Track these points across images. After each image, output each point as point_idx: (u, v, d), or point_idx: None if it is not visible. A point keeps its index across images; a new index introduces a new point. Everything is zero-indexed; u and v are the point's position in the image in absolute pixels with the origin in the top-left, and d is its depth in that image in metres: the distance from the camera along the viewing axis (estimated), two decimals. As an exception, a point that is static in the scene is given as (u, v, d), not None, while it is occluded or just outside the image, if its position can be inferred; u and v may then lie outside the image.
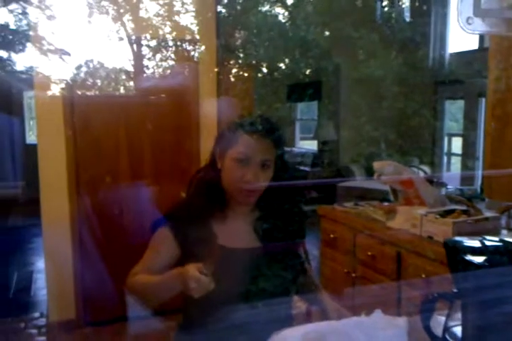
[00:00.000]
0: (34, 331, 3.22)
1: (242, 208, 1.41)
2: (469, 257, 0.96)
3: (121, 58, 4.43)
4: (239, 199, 1.37)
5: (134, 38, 4.38)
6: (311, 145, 8.36)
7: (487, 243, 1.06)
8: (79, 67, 4.18)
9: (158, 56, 4.70)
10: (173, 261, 1.36)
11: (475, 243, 1.05)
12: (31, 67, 3.23)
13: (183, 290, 1.16)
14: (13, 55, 8.67)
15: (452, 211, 2.27)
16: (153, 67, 4.61)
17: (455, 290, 1.02)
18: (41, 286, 3.81)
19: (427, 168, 5.25)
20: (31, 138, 7.63)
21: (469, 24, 0.81)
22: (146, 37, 4.81)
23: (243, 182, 1.32)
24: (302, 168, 7.16)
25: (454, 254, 0.99)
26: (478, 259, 0.95)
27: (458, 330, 1.06)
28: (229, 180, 1.35)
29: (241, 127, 1.35)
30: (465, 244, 1.05)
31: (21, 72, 8.00)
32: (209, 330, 1.30)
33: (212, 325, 1.29)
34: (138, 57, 4.66)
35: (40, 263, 4.32)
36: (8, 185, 7.54)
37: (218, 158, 1.38)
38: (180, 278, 1.16)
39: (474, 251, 1.00)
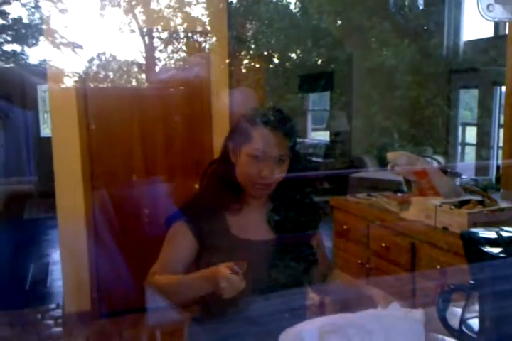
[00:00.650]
0: (50, 322, 3.27)
1: (255, 200, 1.41)
2: (486, 248, 0.95)
3: (133, 51, 4.43)
4: (254, 193, 1.37)
5: (145, 30, 4.38)
6: (323, 136, 8.32)
7: (503, 234, 1.05)
8: (91, 60, 4.19)
9: (170, 48, 4.70)
10: (192, 255, 1.36)
11: (491, 234, 1.04)
12: (44, 61, 3.24)
13: (212, 290, 1.15)
14: (26, 48, 8.73)
15: (467, 201, 2.25)
16: (165, 60, 4.62)
17: (472, 282, 1.02)
18: (57, 278, 3.86)
19: (440, 158, 5.20)
20: (46, 131, 7.69)
21: (490, 11, 0.79)
22: (157, 29, 4.81)
23: (260, 177, 1.31)
24: (314, 159, 7.14)
25: (471, 245, 0.98)
26: (495, 250, 0.95)
27: (474, 322, 1.06)
28: (244, 175, 1.34)
29: (256, 122, 1.34)
30: (481, 235, 1.04)
31: (35, 66, 8.05)
32: (223, 322, 1.31)
33: (226, 316, 1.30)
34: (150, 49, 4.66)
35: (55, 255, 4.37)
36: (23, 179, 7.62)
37: (232, 152, 1.37)
38: (210, 279, 1.15)
39: (491, 242, 0.99)
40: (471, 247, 0.98)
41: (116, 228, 3.34)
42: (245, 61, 5.10)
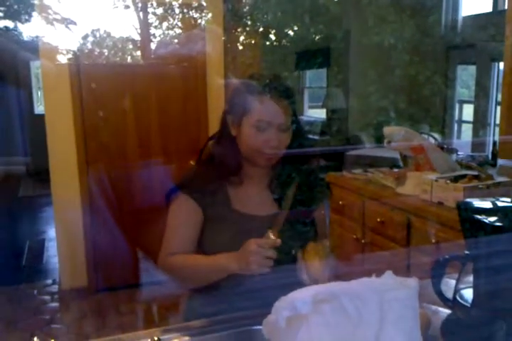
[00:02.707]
0: (47, 297, 3.29)
1: (257, 172, 1.37)
2: (482, 217, 0.95)
3: (127, 27, 4.36)
4: (260, 164, 1.33)
5: (140, 5, 4.30)
6: (320, 114, 8.26)
7: (499, 204, 1.04)
8: (85, 37, 4.13)
9: (165, 24, 4.61)
10: (200, 227, 1.33)
11: (487, 204, 1.03)
12: (37, 37, 3.18)
13: (238, 270, 1.14)
14: (19, 25, 8.57)
15: (463, 176, 2.24)
16: (159, 36, 4.54)
17: (466, 252, 1.01)
18: (53, 254, 3.86)
19: (437, 135, 5.18)
20: (39, 108, 7.61)
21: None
22: (152, 4, 4.72)
23: (267, 147, 1.28)
24: (311, 136, 7.10)
25: (467, 215, 0.97)
26: (491, 219, 0.94)
27: (468, 292, 1.06)
28: (249, 146, 1.30)
29: (255, 90, 1.28)
30: (477, 205, 1.03)
31: (27, 42, 7.92)
32: (219, 296, 1.30)
33: (222, 290, 1.29)
34: (144, 25, 4.58)
35: (51, 232, 4.37)
36: (17, 158, 7.58)
37: (232, 125, 1.33)
38: (236, 257, 1.14)
39: (486, 211, 0.98)
40: (467, 217, 0.97)
41: (112, 204, 3.34)
42: (241, 37, 5.02)
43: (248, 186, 1.38)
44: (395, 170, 2.79)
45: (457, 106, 6.59)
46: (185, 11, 4.20)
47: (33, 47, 3.32)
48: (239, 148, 1.33)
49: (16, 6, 8.63)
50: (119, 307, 3.10)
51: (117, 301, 3.17)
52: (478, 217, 0.95)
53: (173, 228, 1.34)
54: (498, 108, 5.66)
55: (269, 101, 1.27)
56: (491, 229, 0.91)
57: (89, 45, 4.18)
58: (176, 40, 4.35)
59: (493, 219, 0.92)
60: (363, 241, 2.68)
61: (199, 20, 3.99)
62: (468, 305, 1.02)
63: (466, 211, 0.99)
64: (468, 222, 0.98)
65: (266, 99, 1.27)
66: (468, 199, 1.08)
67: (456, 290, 1.04)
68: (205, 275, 1.26)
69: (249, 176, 1.38)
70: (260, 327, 0.92)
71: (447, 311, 1.11)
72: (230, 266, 1.16)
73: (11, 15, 8.54)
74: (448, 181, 2.17)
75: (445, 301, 1.04)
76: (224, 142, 1.35)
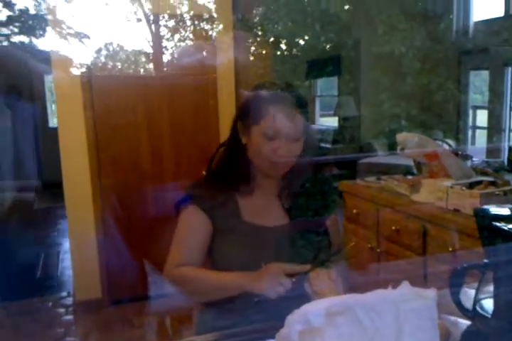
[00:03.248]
0: (62, 310, 3.28)
1: (267, 181, 1.35)
2: (500, 224, 0.91)
3: (140, 40, 4.40)
4: (270, 172, 1.31)
5: (151, 18, 4.33)
6: (332, 122, 8.24)
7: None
8: (99, 51, 4.17)
9: (177, 36, 4.65)
10: (209, 239, 1.30)
11: (505, 211, 1.00)
12: (51, 51, 3.21)
13: (250, 289, 1.12)
14: (33, 39, 8.69)
15: (479, 182, 2.20)
16: (171, 48, 4.57)
17: (486, 261, 0.98)
18: (68, 266, 3.86)
19: (451, 142, 5.12)
20: (54, 121, 7.69)
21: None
22: (164, 17, 4.75)
23: (276, 155, 1.25)
24: (323, 144, 7.07)
25: (485, 222, 0.94)
26: (510, 226, 0.90)
27: (489, 303, 1.02)
28: (259, 155, 1.27)
29: (267, 98, 1.26)
30: (494, 212, 1.00)
31: (41, 56, 8.03)
32: (232, 309, 1.28)
33: (235, 303, 1.26)
34: (156, 37, 4.62)
35: (67, 244, 4.38)
36: (33, 170, 7.65)
37: (242, 133, 1.31)
38: (252, 276, 1.12)
39: (505, 218, 0.95)
40: (485, 224, 0.94)
41: (125, 216, 3.33)
42: (252, 48, 5.03)
43: (258, 196, 1.35)
44: (409, 177, 2.75)
45: (471, 112, 6.53)
46: (196, 22, 4.23)
47: (47, 61, 3.34)
48: (249, 156, 1.31)
49: (30, 22, 8.77)
50: (133, 319, 3.08)
51: (131, 313, 3.15)
52: (497, 224, 0.92)
53: (181, 239, 1.32)
54: (513, 113, 5.60)
55: (279, 110, 1.24)
56: (511, 236, 0.88)
57: (102, 58, 4.23)
58: (186, 52, 4.37)
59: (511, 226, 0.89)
60: (378, 250, 2.64)
61: (210, 32, 4.01)
62: (489, 316, 0.99)
63: (483, 218, 0.96)
64: (486, 229, 0.95)
65: (276, 107, 1.24)
66: (485, 206, 1.05)
67: (476, 301, 1.01)
68: (215, 292, 1.23)
69: (259, 186, 1.35)
70: (273, 340, 0.89)
71: (467, 322, 1.08)
72: (244, 285, 1.14)
73: (26, 30, 8.67)
74: (464, 188, 2.13)
75: (465, 312, 1.01)
76: (234, 150, 1.33)
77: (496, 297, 0.98)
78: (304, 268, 1.12)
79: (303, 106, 1.28)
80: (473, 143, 6.64)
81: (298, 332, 0.80)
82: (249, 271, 1.18)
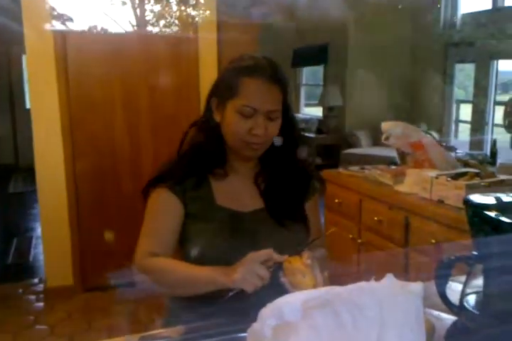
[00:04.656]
0: (32, 297, 3.18)
1: (243, 164, 1.26)
2: (493, 213, 0.85)
3: (125, 24, 4.28)
4: (245, 154, 1.21)
5: (137, 1, 4.21)
6: (316, 112, 8.18)
7: (505, 199, 0.94)
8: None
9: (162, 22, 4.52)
10: (181, 223, 1.20)
11: (492, 200, 0.93)
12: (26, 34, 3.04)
13: (226, 284, 1.02)
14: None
15: (464, 173, 2.15)
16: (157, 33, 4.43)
17: (475, 253, 0.91)
18: (41, 252, 3.75)
19: (435, 134, 5.09)
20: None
21: None
22: (149, 0, 4.62)
23: (250, 135, 1.15)
24: (307, 134, 7.01)
25: (476, 212, 0.87)
26: (503, 215, 0.84)
27: (476, 297, 0.96)
28: (233, 134, 1.18)
29: (243, 71, 1.16)
30: (485, 201, 0.93)
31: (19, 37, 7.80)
32: (203, 300, 1.19)
33: (206, 294, 1.17)
34: (141, 21, 4.49)
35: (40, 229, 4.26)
36: (10, 153, 7.47)
37: (216, 109, 1.21)
38: (228, 270, 1.02)
39: (497, 207, 0.88)
40: (476, 213, 0.87)
41: (99, 200, 3.23)
42: (236, 32, 4.91)
43: (233, 179, 1.26)
44: (393, 167, 2.69)
45: (454, 106, 6.52)
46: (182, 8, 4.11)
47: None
48: (223, 136, 1.21)
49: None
50: (105, 307, 2.99)
51: (103, 301, 3.06)
52: (489, 213, 0.85)
53: (152, 224, 1.21)
54: (497, 107, 5.59)
55: (258, 84, 1.14)
56: (505, 226, 0.81)
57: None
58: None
59: (505, 215, 0.82)
60: (359, 240, 2.58)
61: (196, 18, 3.89)
62: (476, 312, 0.93)
63: (474, 207, 0.89)
64: (477, 219, 0.88)
65: (254, 81, 1.15)
66: (472, 195, 0.98)
67: (463, 295, 0.94)
68: (188, 287, 1.12)
69: (234, 168, 1.26)
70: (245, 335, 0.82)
71: (452, 317, 1.02)
72: (217, 279, 1.04)
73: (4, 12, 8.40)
74: (449, 178, 2.08)
75: (451, 307, 0.95)
76: (207, 129, 1.23)
77: (485, 291, 0.91)
78: (282, 258, 1.03)
79: (283, 81, 1.19)
80: (456, 136, 6.64)
81: (271, 327, 0.73)
82: (223, 257, 1.10)
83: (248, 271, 0.99)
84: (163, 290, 1.17)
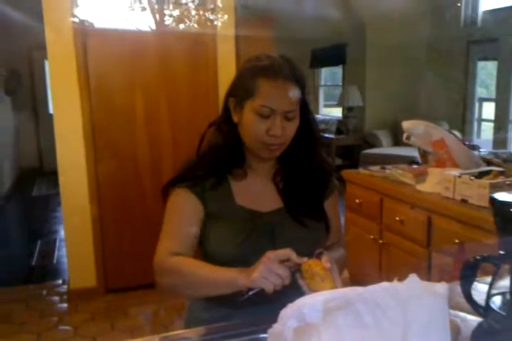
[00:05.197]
0: (56, 298, 3.21)
1: (261, 164, 1.25)
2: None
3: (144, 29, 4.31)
4: (263, 155, 1.20)
5: (156, 7, 4.22)
6: (336, 113, 8.13)
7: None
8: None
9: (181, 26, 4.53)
10: (201, 223, 1.20)
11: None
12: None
13: (245, 284, 1.00)
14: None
15: (488, 172, 2.11)
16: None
17: (502, 252, 0.89)
18: (64, 254, 3.80)
19: (457, 133, 5.02)
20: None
21: None
22: (168, 6, 4.62)
23: (268, 136, 1.14)
24: (326, 135, 6.97)
25: (503, 210, 0.85)
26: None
27: (503, 298, 0.94)
28: (250, 135, 1.17)
29: (259, 71, 1.15)
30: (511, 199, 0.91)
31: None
32: (223, 300, 1.18)
33: (227, 295, 1.16)
34: (161, 26, 4.49)
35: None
36: (32, 157, 7.59)
37: (233, 109, 1.20)
38: (247, 270, 1.01)
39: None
40: (503, 212, 0.85)
41: (121, 203, 3.25)
42: (252, 30, 4.91)
43: (252, 179, 1.25)
44: (415, 166, 2.66)
45: (477, 104, 6.41)
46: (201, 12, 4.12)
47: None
48: (240, 136, 1.20)
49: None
50: (128, 308, 3.01)
51: (126, 302, 3.08)
52: (515, 212, 0.83)
53: (172, 224, 1.21)
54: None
55: (275, 84, 1.13)
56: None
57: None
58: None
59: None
60: (380, 241, 2.55)
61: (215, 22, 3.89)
62: (503, 313, 0.90)
63: (501, 205, 0.87)
64: (503, 217, 0.86)
65: (271, 81, 1.13)
66: (500, 193, 0.95)
67: (489, 296, 0.92)
68: (210, 287, 1.10)
69: (253, 168, 1.25)
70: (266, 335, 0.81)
71: (477, 319, 0.99)
72: (238, 279, 1.01)
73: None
74: (472, 177, 2.04)
75: (476, 308, 0.92)
76: (225, 129, 1.22)
77: None
78: (301, 260, 1.01)
79: (299, 80, 1.17)
80: (478, 135, 6.53)
81: (292, 328, 0.72)
82: (243, 257, 1.08)
83: (267, 270, 0.97)
84: (182, 290, 1.16)
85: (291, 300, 0.77)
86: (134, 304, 3.05)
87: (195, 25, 4.39)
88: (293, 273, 1.01)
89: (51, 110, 7.44)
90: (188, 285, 1.13)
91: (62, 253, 3.98)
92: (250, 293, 1.01)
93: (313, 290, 1.01)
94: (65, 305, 3.12)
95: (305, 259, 1.02)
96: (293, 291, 0.96)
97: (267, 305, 1.01)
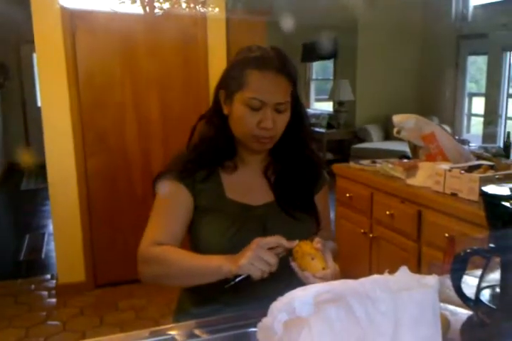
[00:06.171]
0: (44, 293, 3.19)
1: (252, 156, 1.24)
2: (509, 204, 0.82)
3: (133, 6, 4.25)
4: (254, 147, 1.18)
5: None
6: (327, 107, 8.12)
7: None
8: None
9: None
10: (190, 216, 1.19)
11: (506, 190, 0.90)
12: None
13: (231, 271, 0.99)
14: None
15: (478, 166, 2.11)
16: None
17: (492, 245, 0.89)
18: (52, 248, 3.77)
19: (447, 128, 5.03)
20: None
21: None
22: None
23: (259, 129, 1.13)
24: (317, 129, 6.96)
25: (494, 203, 0.84)
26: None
27: (493, 292, 0.94)
28: (241, 127, 1.15)
29: (249, 63, 1.13)
30: (502, 192, 0.90)
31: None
32: (212, 294, 1.17)
33: (215, 287, 1.15)
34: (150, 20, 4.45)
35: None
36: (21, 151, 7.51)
37: (224, 102, 1.18)
38: (233, 257, 0.99)
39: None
40: (493, 204, 0.85)
41: (110, 197, 3.23)
42: (245, 26, 4.88)
43: (243, 172, 1.24)
44: (405, 160, 2.66)
45: (466, 99, 6.43)
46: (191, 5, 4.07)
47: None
48: (231, 129, 1.19)
49: None
50: (117, 303, 3.00)
51: (115, 297, 3.06)
52: (506, 204, 0.83)
53: (161, 213, 1.19)
54: (510, 99, 5.52)
55: (266, 76, 1.12)
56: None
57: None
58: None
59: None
60: (370, 235, 2.55)
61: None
62: (493, 306, 0.90)
63: (491, 198, 0.87)
64: (493, 210, 0.86)
65: (262, 73, 1.12)
66: (490, 186, 0.95)
67: (479, 289, 0.92)
68: (195, 275, 1.09)
69: (243, 161, 1.24)
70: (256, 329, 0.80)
71: (467, 312, 0.99)
72: (225, 266, 1.00)
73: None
74: (462, 171, 2.04)
75: (466, 301, 0.92)
76: (215, 122, 1.21)
77: (501, 285, 0.89)
78: (292, 244, 1.01)
79: (290, 72, 1.16)
80: (468, 129, 6.56)
81: (282, 322, 0.71)
82: (233, 251, 1.07)
83: (255, 257, 0.96)
84: (166, 280, 1.14)
85: (282, 294, 0.76)
86: (123, 298, 3.03)
87: (186, 18, 4.35)
88: (283, 259, 1.01)
89: (39, 103, 7.40)
90: (172, 274, 1.11)
91: (50, 248, 3.95)
92: (237, 279, 1.00)
93: (304, 270, 1.01)
94: (54, 299, 3.10)
95: (296, 242, 1.02)
96: (284, 286, 0.95)
97: (257, 299, 1.00)
